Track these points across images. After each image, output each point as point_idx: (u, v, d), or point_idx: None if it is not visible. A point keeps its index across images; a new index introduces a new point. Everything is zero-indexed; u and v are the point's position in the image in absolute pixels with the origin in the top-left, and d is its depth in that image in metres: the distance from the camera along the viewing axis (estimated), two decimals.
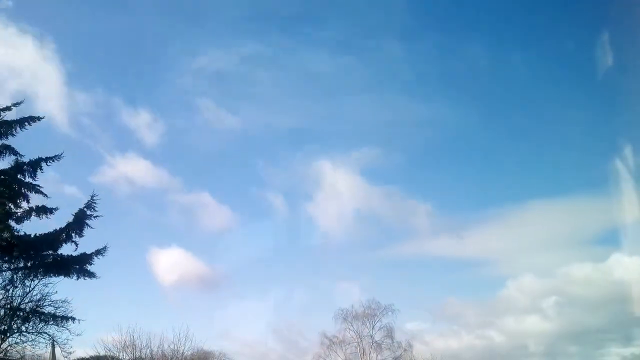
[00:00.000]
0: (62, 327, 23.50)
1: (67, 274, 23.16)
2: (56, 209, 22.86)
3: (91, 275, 23.14)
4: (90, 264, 23.27)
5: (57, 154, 22.63)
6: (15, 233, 22.24)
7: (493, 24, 78.14)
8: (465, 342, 60.76)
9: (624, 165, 26.21)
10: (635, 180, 25.87)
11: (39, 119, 22.73)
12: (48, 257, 23.00)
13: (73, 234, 22.91)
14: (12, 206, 22.02)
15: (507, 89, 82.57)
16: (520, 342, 59.24)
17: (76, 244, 23.05)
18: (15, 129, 22.05)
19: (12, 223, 22.45)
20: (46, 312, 23.45)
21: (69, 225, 22.75)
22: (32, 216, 22.39)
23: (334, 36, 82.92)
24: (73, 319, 23.37)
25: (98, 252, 23.25)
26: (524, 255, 71.47)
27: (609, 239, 57.92)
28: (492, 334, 61.01)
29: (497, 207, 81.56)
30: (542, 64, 79.85)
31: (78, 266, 23.08)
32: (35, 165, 22.10)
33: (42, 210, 22.44)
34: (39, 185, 22.40)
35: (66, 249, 23.11)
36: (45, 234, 22.61)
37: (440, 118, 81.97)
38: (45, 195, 22.55)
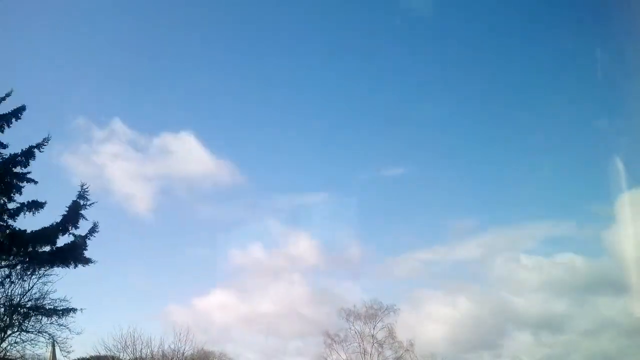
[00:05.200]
0: (62, 325, 23.72)
1: (65, 264, 23.19)
2: (45, 203, 22.74)
3: (87, 261, 23.03)
4: (85, 249, 23.23)
5: (45, 137, 22.50)
6: (12, 230, 22.31)
7: (493, 24, 78.15)
8: None
9: (624, 165, 26.01)
10: (636, 180, 25.67)
11: (23, 109, 22.26)
12: (45, 252, 22.97)
13: (69, 227, 22.96)
14: (6, 200, 22.08)
15: (506, 88, 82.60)
16: None
17: (74, 236, 23.11)
18: (10, 123, 22.06)
19: (10, 221, 22.50)
20: (47, 307, 23.65)
21: (64, 218, 22.82)
22: (25, 212, 22.29)
23: None
24: (74, 310, 23.56)
25: (91, 232, 23.22)
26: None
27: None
28: None
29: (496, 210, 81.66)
30: (542, 64, 79.86)
31: (77, 254, 23.06)
32: (27, 155, 22.11)
33: (34, 206, 22.36)
34: (27, 173, 22.33)
35: (62, 241, 23.13)
36: (41, 229, 22.58)
37: (439, 116, 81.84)
38: (35, 182, 22.48)
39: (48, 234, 22.71)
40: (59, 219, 22.70)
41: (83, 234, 22.94)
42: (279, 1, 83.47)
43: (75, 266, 23.30)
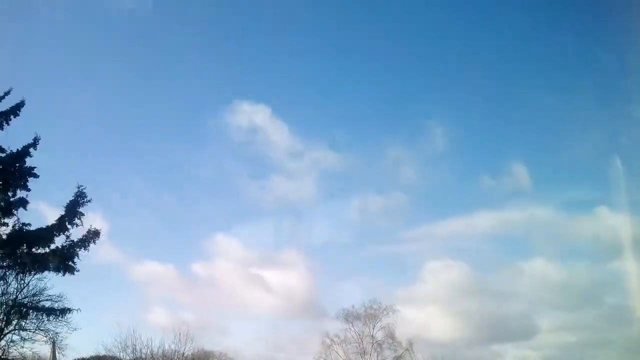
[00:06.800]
0: (60, 321, 23.71)
1: (57, 270, 22.94)
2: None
3: (71, 270, 22.65)
4: (78, 257, 22.99)
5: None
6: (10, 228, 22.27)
7: (493, 24, 78.37)
8: None
9: (623, 166, 26.11)
10: (635, 180, 25.71)
11: (22, 104, 22.06)
12: (42, 252, 22.75)
13: (68, 225, 22.83)
14: (10, 196, 21.96)
15: (506, 88, 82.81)
16: None
17: (67, 237, 22.92)
18: (8, 122, 21.93)
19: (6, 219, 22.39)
20: (45, 306, 23.69)
21: (62, 218, 22.72)
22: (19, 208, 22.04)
23: None
24: (70, 310, 23.51)
25: (96, 235, 23.02)
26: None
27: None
28: None
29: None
30: (542, 64, 79.93)
31: (65, 264, 22.76)
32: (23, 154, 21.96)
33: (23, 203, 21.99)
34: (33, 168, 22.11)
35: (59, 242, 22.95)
36: (38, 229, 22.51)
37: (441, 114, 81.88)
38: (37, 176, 22.23)
39: (45, 234, 22.57)
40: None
41: (75, 240, 22.79)
42: None
43: (64, 274, 22.94)
